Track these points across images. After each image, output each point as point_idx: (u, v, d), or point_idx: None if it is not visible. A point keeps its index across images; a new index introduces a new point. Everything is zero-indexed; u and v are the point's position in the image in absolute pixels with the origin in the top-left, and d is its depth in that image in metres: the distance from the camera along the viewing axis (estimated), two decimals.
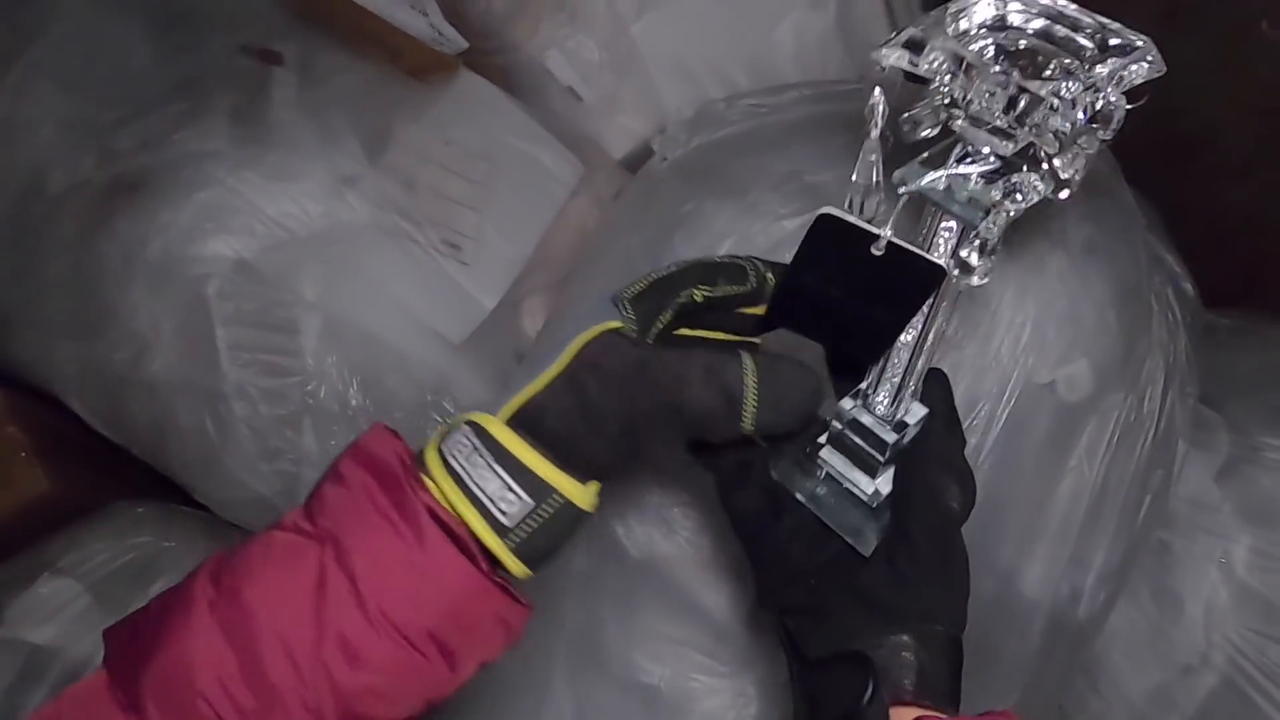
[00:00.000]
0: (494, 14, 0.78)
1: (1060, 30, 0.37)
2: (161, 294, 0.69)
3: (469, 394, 0.73)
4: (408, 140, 0.73)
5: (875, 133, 0.38)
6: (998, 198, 0.37)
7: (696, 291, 0.44)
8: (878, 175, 0.39)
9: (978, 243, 0.39)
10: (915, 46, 0.37)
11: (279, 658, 0.36)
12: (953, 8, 0.38)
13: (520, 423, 0.40)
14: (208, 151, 0.69)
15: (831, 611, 0.44)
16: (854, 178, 0.39)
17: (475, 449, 0.39)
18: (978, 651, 0.57)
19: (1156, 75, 0.36)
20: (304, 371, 0.69)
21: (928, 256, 0.39)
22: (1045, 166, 0.38)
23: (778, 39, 0.80)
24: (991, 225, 0.38)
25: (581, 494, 0.40)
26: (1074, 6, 0.37)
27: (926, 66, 0.37)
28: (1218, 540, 0.67)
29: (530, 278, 0.77)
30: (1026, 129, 0.36)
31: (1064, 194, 0.38)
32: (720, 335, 0.47)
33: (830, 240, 0.40)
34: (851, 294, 0.41)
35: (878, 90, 0.37)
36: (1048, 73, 0.36)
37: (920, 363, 0.43)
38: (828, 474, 0.46)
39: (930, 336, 0.43)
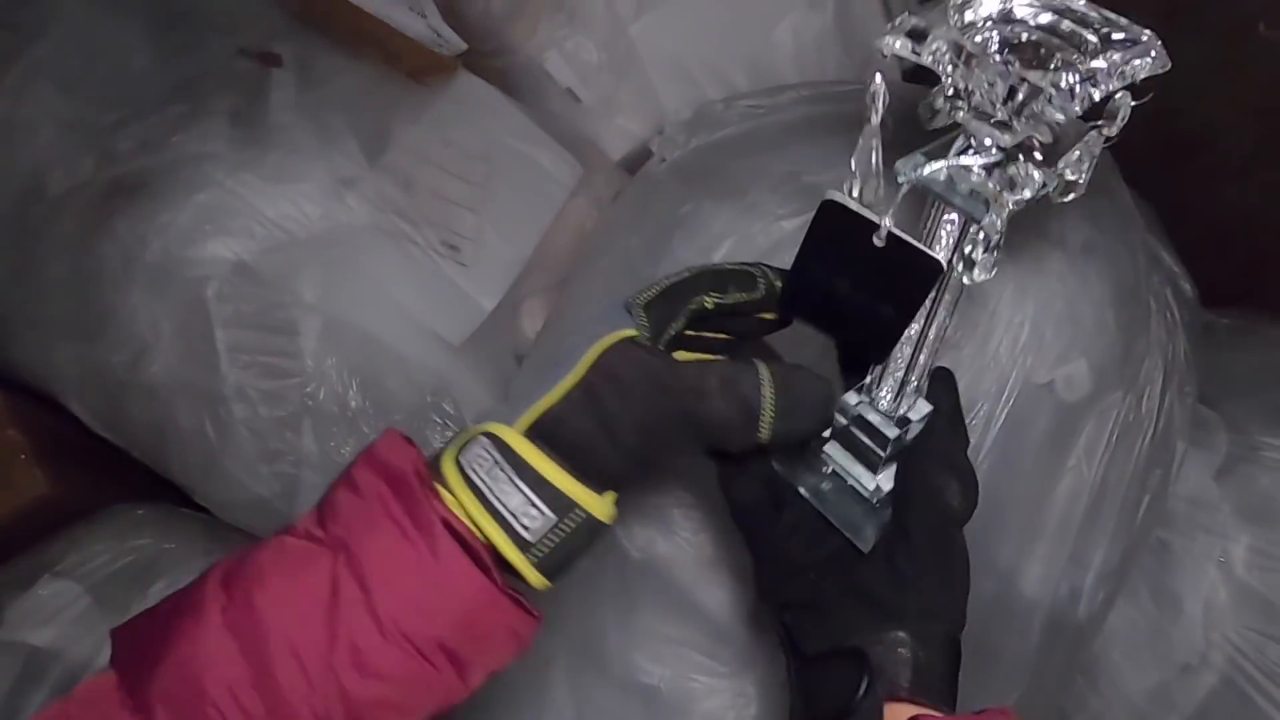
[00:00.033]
0: (492, 15, 0.78)
1: (1066, 25, 0.37)
2: (161, 296, 0.69)
3: (468, 395, 0.73)
4: (406, 142, 0.74)
5: (876, 118, 0.38)
6: (996, 190, 0.37)
7: (707, 298, 0.45)
8: (877, 161, 0.39)
9: (980, 236, 0.39)
10: (917, 35, 0.37)
11: (290, 666, 0.36)
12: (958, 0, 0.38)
13: (538, 434, 0.40)
14: (207, 153, 0.69)
15: (829, 607, 0.44)
16: (852, 162, 0.39)
17: (496, 463, 0.39)
18: (977, 651, 0.57)
19: (1160, 70, 0.36)
20: (303, 373, 0.69)
21: (927, 251, 0.38)
22: (1040, 157, 0.38)
23: (776, 40, 0.80)
24: (992, 219, 0.38)
25: (602, 507, 0.40)
26: (1081, 1, 0.37)
27: (929, 56, 0.37)
28: (1217, 539, 0.67)
29: (529, 279, 0.77)
30: (1024, 120, 0.36)
31: (1071, 195, 0.38)
32: (723, 335, 0.48)
33: (835, 228, 0.40)
34: (856, 286, 0.41)
35: (878, 77, 0.37)
36: (1052, 65, 0.36)
37: (923, 358, 0.43)
38: (831, 469, 0.46)
39: (932, 332, 0.43)
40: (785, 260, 0.60)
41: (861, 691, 0.40)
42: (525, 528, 0.38)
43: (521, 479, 0.39)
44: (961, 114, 0.38)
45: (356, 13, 0.69)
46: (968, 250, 0.40)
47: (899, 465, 0.45)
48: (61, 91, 0.72)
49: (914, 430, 0.45)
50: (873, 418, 0.44)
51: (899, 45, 0.37)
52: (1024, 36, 0.37)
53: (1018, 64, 0.35)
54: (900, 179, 0.38)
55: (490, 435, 0.39)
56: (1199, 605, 0.66)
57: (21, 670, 0.64)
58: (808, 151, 0.64)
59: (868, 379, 0.45)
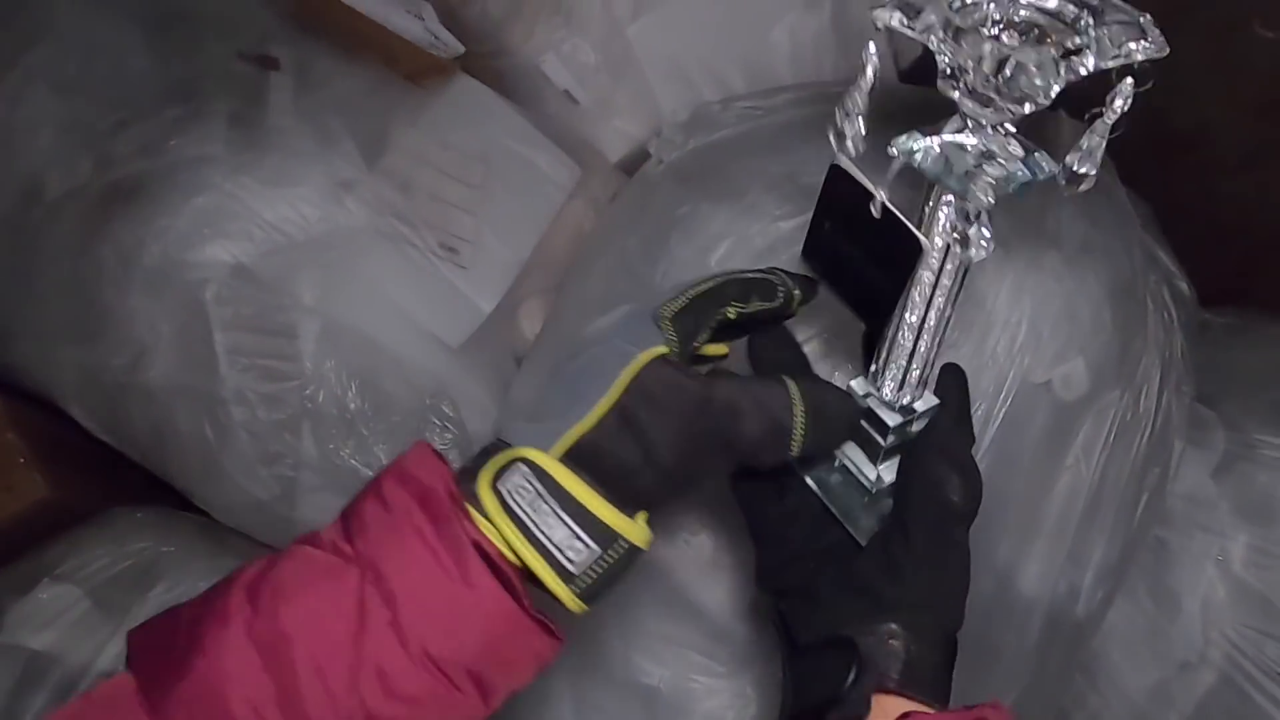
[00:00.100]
0: (490, 18, 0.78)
1: (1069, 9, 0.37)
2: (159, 299, 0.69)
3: (467, 397, 0.73)
4: (405, 144, 0.74)
5: (870, 69, 0.38)
6: (973, 164, 0.38)
7: (730, 309, 0.45)
8: (860, 107, 0.39)
9: (965, 212, 0.39)
10: (910, 10, 0.37)
11: (314, 685, 0.36)
12: None
13: (575, 459, 0.39)
14: (205, 156, 0.69)
15: (824, 597, 0.44)
16: (836, 111, 0.39)
17: (539, 494, 0.38)
18: (976, 649, 0.57)
19: (1157, 55, 0.36)
20: (302, 376, 0.69)
21: (912, 228, 0.39)
22: (1026, 140, 0.38)
23: (773, 41, 0.80)
24: (978, 195, 0.38)
25: (643, 536, 0.40)
26: None
27: (921, 29, 0.37)
28: (1215, 537, 0.67)
29: (527, 280, 0.77)
30: (1015, 97, 0.36)
31: (1083, 186, 0.38)
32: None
33: (841, 192, 0.41)
34: (859, 250, 0.42)
35: (871, 45, 0.37)
36: (1042, 40, 0.36)
37: (924, 346, 0.43)
38: (839, 461, 0.46)
39: (932, 319, 0.42)
40: (783, 260, 0.60)
41: (849, 681, 0.40)
42: (570, 561, 0.38)
43: (565, 510, 0.38)
44: (956, 93, 0.38)
45: (354, 16, 0.69)
46: (965, 229, 0.40)
47: (902, 458, 0.45)
48: (59, 95, 0.72)
49: (919, 423, 0.45)
50: (875, 404, 0.44)
51: (893, 19, 0.37)
52: (1020, 14, 0.37)
53: (1004, 37, 0.36)
54: (892, 152, 0.39)
55: (529, 463, 0.39)
56: (1197, 603, 0.66)
57: (21, 674, 0.64)
58: (805, 152, 0.64)
59: (873, 366, 0.45)
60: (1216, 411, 0.71)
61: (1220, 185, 0.82)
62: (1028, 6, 0.37)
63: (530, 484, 0.38)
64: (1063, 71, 0.35)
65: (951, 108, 0.39)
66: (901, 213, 0.39)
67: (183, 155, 0.69)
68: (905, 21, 0.37)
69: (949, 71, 0.37)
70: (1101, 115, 0.36)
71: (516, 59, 0.80)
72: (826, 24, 0.80)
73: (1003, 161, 0.37)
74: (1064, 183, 0.38)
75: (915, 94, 0.71)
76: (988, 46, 0.35)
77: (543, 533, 0.38)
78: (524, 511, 0.38)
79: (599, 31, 0.78)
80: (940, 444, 0.44)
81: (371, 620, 0.36)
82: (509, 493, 0.38)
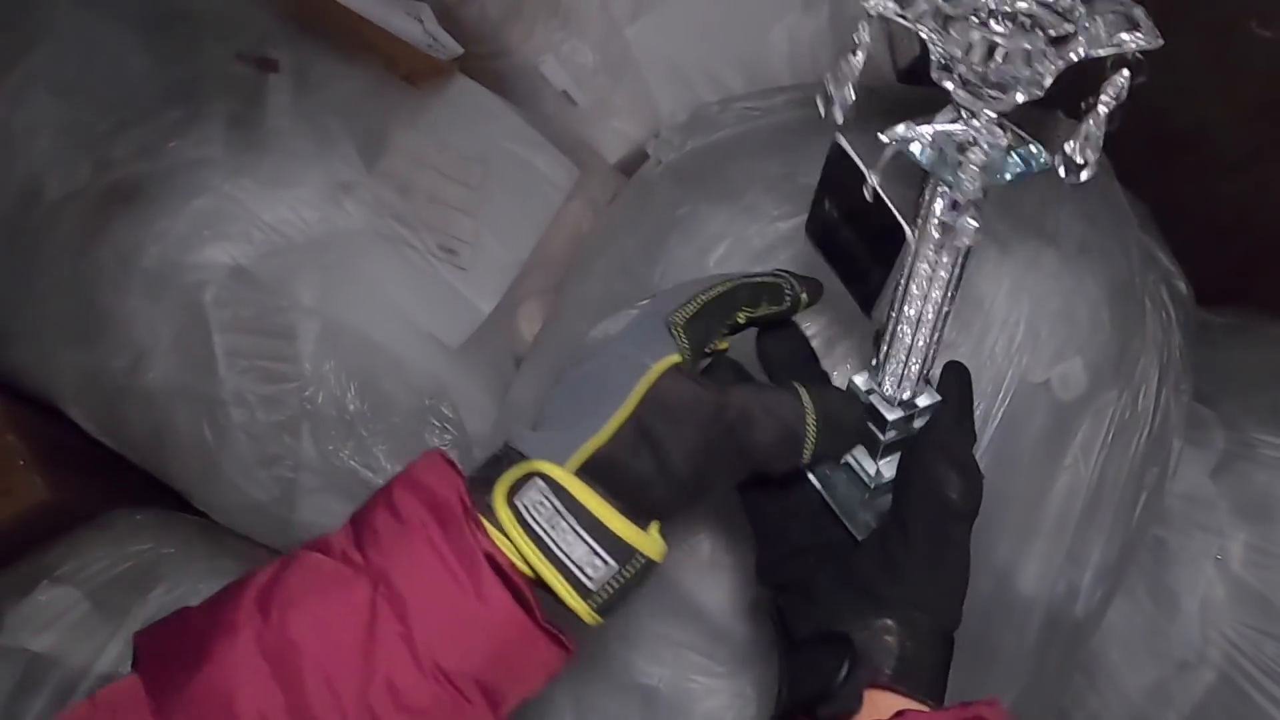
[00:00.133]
0: (488, 19, 0.78)
1: None
2: (159, 301, 0.69)
3: (466, 398, 0.73)
4: (403, 146, 0.74)
5: (860, 47, 0.38)
6: (961, 154, 0.38)
7: (740, 314, 0.45)
8: (849, 75, 0.39)
9: (954, 201, 0.39)
10: None
11: (324, 696, 0.36)
12: None
13: (590, 472, 0.39)
14: (204, 158, 0.70)
15: (822, 592, 0.44)
16: (825, 77, 0.39)
17: (557, 511, 0.38)
18: (975, 649, 0.57)
19: (1151, 46, 0.36)
20: (301, 377, 0.69)
21: (897, 215, 0.39)
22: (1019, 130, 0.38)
23: (771, 42, 0.80)
24: (966, 184, 0.38)
25: (658, 549, 0.40)
26: None
27: (913, 16, 0.37)
28: (1213, 537, 0.67)
29: (526, 281, 0.77)
30: (1001, 82, 0.36)
31: (1084, 175, 0.38)
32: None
33: (840, 170, 0.41)
34: (853, 230, 0.42)
35: (862, 25, 0.38)
36: (1033, 29, 0.36)
37: (921, 340, 0.43)
38: (843, 458, 0.46)
39: (930, 312, 0.42)
40: (782, 260, 0.60)
41: (842, 675, 0.40)
42: (589, 578, 0.38)
43: (583, 527, 0.38)
44: (949, 82, 0.38)
45: (353, 18, 0.69)
46: (954, 219, 0.40)
47: (902, 455, 0.45)
48: (58, 97, 0.72)
49: (919, 420, 0.45)
50: (876, 400, 0.44)
51: (885, 6, 0.37)
52: (1010, 4, 0.37)
53: (993, 24, 0.36)
54: (884, 139, 0.39)
55: (547, 479, 0.38)
56: (1196, 602, 0.66)
57: (21, 676, 0.64)
58: (803, 153, 0.64)
59: (874, 360, 0.45)
60: (1215, 411, 0.71)
61: (1219, 185, 0.82)
62: None
63: (548, 500, 0.38)
64: (1053, 60, 0.35)
65: (947, 99, 0.39)
66: (894, 201, 0.39)
67: (182, 157, 0.70)
68: (897, 9, 0.37)
69: (942, 62, 0.37)
70: (1095, 105, 0.36)
71: (515, 60, 0.80)
72: (824, 25, 0.80)
73: (988, 149, 0.37)
74: (1063, 173, 0.38)
75: (913, 94, 0.72)
76: (977, 34, 0.35)
77: (562, 551, 0.38)
78: (543, 529, 0.38)
79: (597, 33, 0.78)
80: (940, 441, 0.44)
81: (382, 632, 0.36)
82: (527, 509, 0.38)
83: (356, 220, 0.71)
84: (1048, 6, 0.36)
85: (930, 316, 0.42)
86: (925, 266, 0.41)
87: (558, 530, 0.38)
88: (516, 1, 0.79)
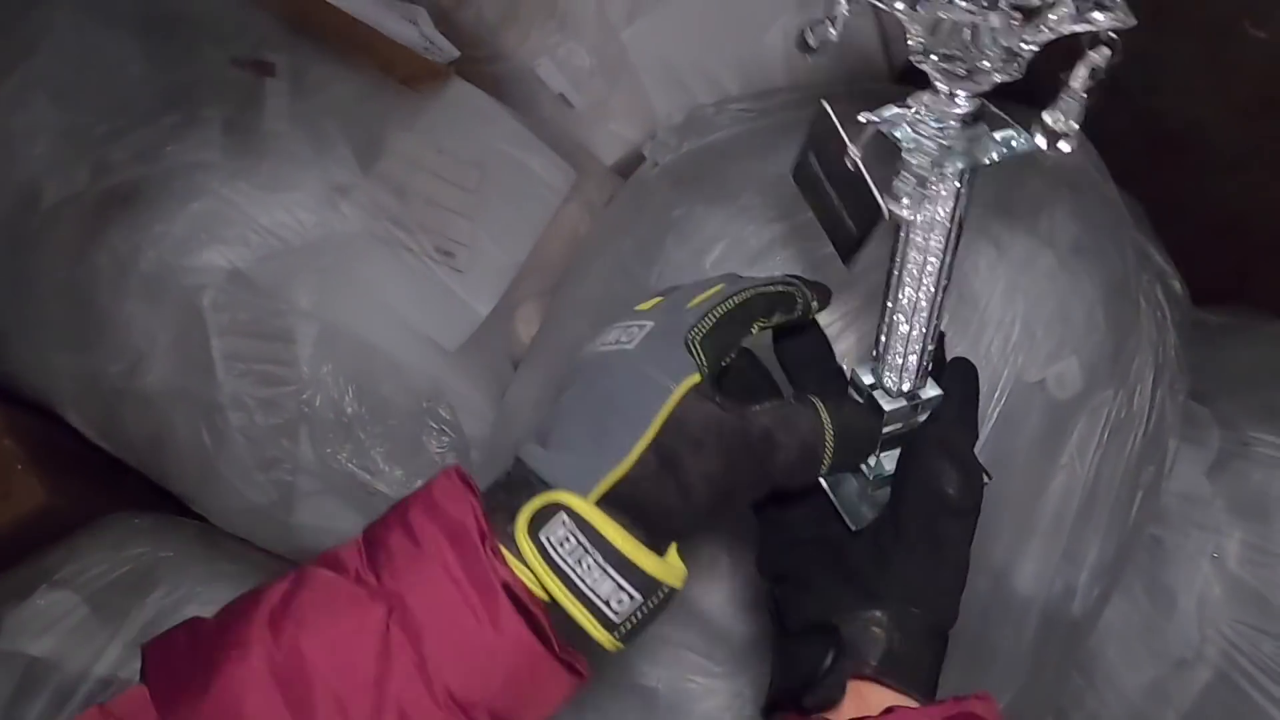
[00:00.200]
0: (485, 22, 0.78)
1: None
2: (156, 305, 0.69)
3: (464, 400, 0.74)
4: (400, 149, 0.74)
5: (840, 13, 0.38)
6: (938, 134, 0.38)
7: (755, 325, 0.45)
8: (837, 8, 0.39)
9: (927, 180, 0.39)
10: None
11: None
12: None
13: (613, 502, 0.38)
14: (201, 162, 0.70)
15: (816, 583, 0.44)
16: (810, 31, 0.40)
17: (582, 547, 0.37)
18: (973, 648, 0.58)
19: (1123, 25, 0.36)
20: (299, 380, 0.69)
21: (874, 191, 0.39)
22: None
23: (767, 44, 0.80)
24: (944, 164, 0.37)
25: (681, 577, 0.40)
26: None
27: None
28: (1210, 535, 0.67)
29: (523, 284, 0.77)
30: (974, 62, 0.36)
31: (1066, 147, 0.38)
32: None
33: (825, 133, 0.41)
34: (836, 189, 0.42)
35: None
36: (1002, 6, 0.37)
37: (914, 332, 0.43)
38: None
39: (922, 301, 0.42)
40: (777, 261, 0.60)
41: (827, 664, 0.41)
42: (615, 612, 0.38)
43: (609, 563, 0.37)
44: (926, 65, 0.38)
45: (349, 21, 0.69)
46: (926, 194, 0.40)
47: (902, 449, 0.46)
48: (55, 102, 0.72)
49: (921, 413, 0.45)
50: (877, 392, 0.44)
51: None
52: None
53: (963, 3, 0.36)
54: (864, 119, 0.39)
55: (571, 512, 0.38)
56: (1193, 601, 0.66)
57: (20, 680, 0.64)
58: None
59: (874, 351, 0.45)
60: (1211, 409, 0.71)
61: (1213, 184, 0.82)
62: None
63: (573, 536, 0.37)
64: (1023, 38, 0.35)
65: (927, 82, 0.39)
66: (874, 177, 0.39)
67: (179, 161, 0.70)
68: None
69: (919, 44, 0.38)
70: (1072, 77, 0.36)
71: (511, 63, 0.80)
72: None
73: (953, 129, 0.37)
74: (1044, 145, 0.38)
75: (908, 93, 0.72)
76: (943, 13, 0.36)
77: (589, 587, 0.37)
78: (569, 566, 0.37)
79: (593, 35, 0.79)
80: (938, 435, 0.44)
81: (397, 661, 0.36)
82: (552, 545, 0.37)
83: (353, 223, 0.71)
84: None
85: (924, 304, 0.42)
86: (915, 254, 0.41)
87: (584, 567, 0.37)
88: (513, 5, 0.79)
